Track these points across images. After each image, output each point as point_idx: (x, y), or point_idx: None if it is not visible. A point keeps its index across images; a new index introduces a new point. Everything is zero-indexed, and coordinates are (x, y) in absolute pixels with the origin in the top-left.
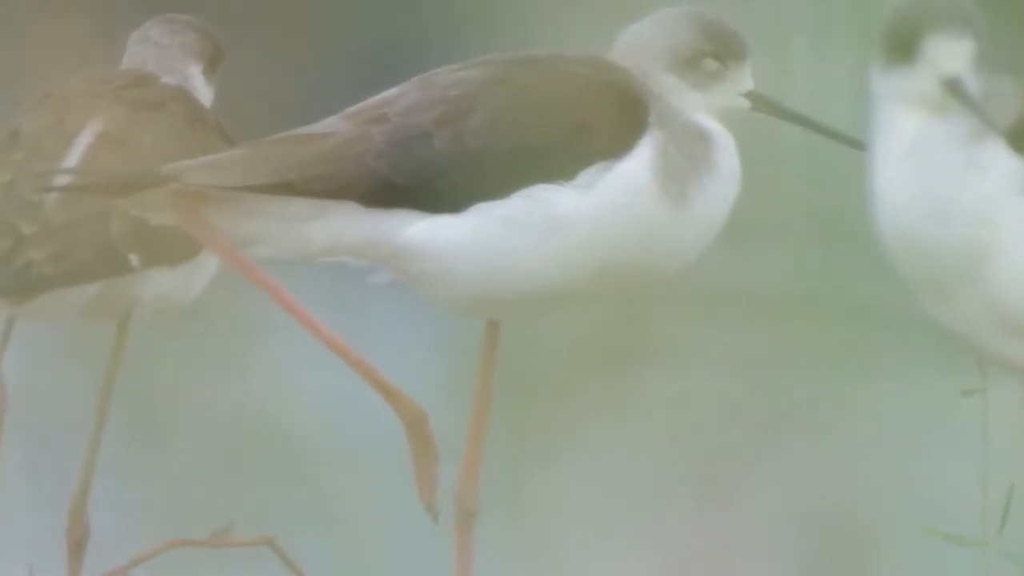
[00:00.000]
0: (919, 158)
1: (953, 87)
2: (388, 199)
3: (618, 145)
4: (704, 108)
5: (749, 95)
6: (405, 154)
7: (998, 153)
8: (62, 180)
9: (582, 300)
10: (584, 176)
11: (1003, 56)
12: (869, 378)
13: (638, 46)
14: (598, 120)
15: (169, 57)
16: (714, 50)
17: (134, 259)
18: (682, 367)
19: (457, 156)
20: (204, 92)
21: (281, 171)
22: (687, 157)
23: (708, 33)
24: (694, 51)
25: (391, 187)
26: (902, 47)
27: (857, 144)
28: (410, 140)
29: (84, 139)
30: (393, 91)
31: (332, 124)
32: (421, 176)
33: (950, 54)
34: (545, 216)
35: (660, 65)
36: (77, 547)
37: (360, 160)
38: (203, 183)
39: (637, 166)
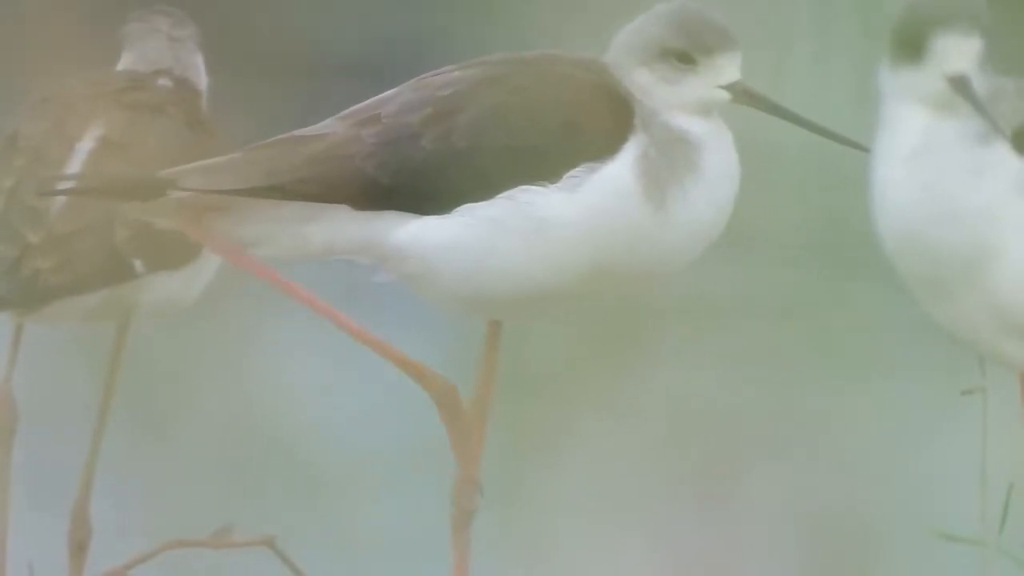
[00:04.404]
0: (924, 157)
1: (959, 85)
2: (377, 201)
3: (605, 147)
4: (678, 102)
5: (730, 88)
6: (393, 155)
7: (1003, 154)
8: (64, 186)
9: (574, 301)
10: (569, 177)
11: (1009, 56)
12: (869, 377)
13: (618, 44)
14: (585, 121)
15: (185, 50)
16: (681, 44)
17: (138, 265)
18: (681, 366)
19: (444, 156)
20: (205, 83)
21: (272, 174)
22: (667, 160)
23: (677, 26)
24: (661, 46)
25: (379, 188)
26: (911, 44)
27: (845, 141)
28: (399, 141)
29: (85, 144)
30: (389, 92)
31: (328, 126)
32: (408, 176)
33: (958, 52)
34: (530, 217)
35: (633, 60)
36: (79, 549)
37: (349, 162)
38: (198, 187)
39: (621, 169)
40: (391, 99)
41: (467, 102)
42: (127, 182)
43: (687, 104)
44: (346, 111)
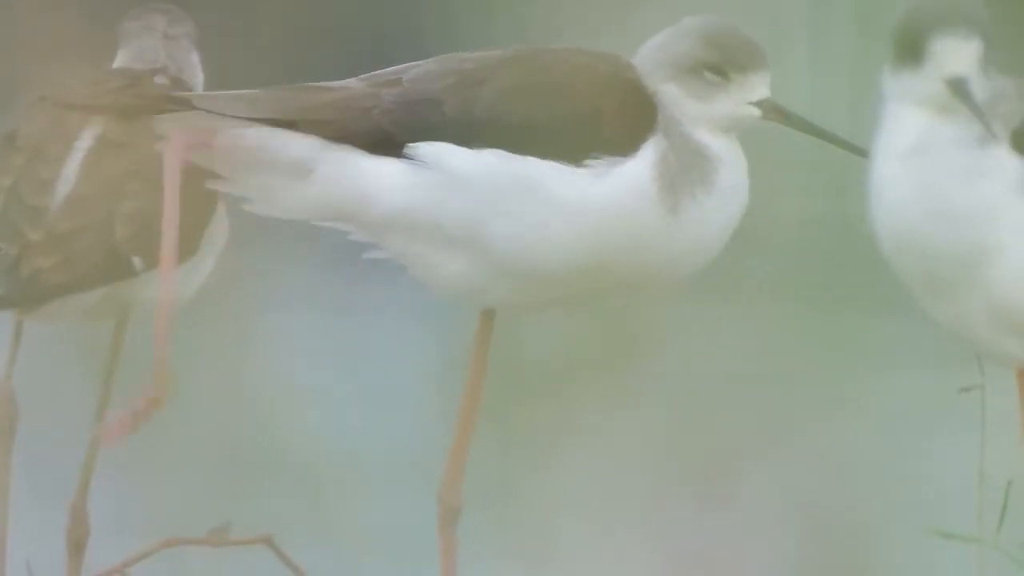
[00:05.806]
0: (922, 158)
1: (957, 88)
2: (388, 152)
3: (627, 141)
4: (706, 118)
5: (761, 104)
6: (411, 116)
7: (1000, 154)
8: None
9: (569, 297)
10: (589, 164)
11: (1010, 57)
12: (867, 375)
13: (646, 57)
14: (608, 111)
15: (180, 49)
16: (715, 60)
17: (137, 262)
18: (676, 364)
19: (464, 125)
20: (201, 81)
21: (288, 110)
22: (683, 168)
23: (711, 43)
24: (694, 61)
25: (393, 144)
26: (911, 47)
27: (867, 155)
28: (419, 103)
29: (83, 143)
30: (410, 63)
31: (347, 82)
32: (424, 139)
33: (957, 55)
34: (545, 194)
35: (661, 74)
36: (77, 547)
37: (366, 113)
38: (212, 109)
39: (640, 167)
40: (413, 68)
41: (492, 75)
42: (140, 97)
43: (716, 120)
44: (366, 75)
